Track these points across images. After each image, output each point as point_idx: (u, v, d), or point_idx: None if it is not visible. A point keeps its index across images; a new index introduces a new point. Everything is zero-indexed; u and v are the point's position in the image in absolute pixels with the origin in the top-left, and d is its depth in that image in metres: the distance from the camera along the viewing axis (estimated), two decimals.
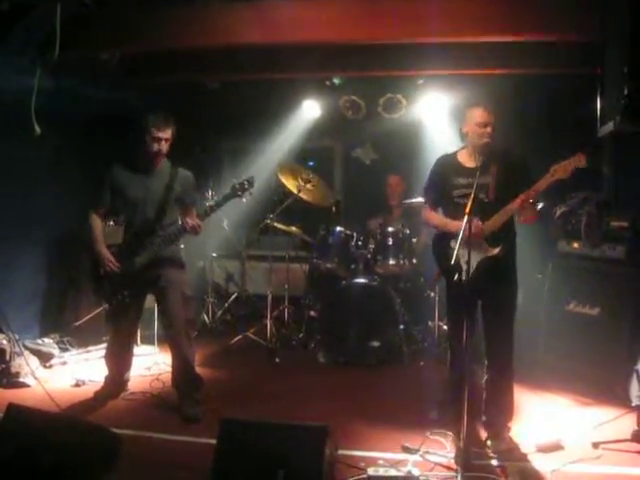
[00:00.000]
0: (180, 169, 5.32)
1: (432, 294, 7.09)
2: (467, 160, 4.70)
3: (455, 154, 4.86)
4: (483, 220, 4.49)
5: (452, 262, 4.08)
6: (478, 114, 4.60)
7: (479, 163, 4.38)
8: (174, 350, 5.22)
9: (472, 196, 4.11)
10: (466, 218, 4.05)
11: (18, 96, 5.43)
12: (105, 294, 5.30)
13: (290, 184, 7.28)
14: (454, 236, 4.36)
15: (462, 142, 4.81)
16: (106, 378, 5.57)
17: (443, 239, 4.74)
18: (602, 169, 7.04)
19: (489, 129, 4.56)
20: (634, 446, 4.44)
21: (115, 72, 6.76)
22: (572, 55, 6.14)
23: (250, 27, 5.70)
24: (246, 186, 5.09)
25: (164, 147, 5.15)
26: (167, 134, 5.13)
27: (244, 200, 5.20)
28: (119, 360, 5.53)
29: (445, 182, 4.77)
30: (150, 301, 5.60)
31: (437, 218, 4.92)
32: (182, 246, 5.70)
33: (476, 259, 4.49)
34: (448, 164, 4.85)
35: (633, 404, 4.79)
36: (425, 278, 7.36)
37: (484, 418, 4.75)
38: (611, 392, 5.35)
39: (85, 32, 5.83)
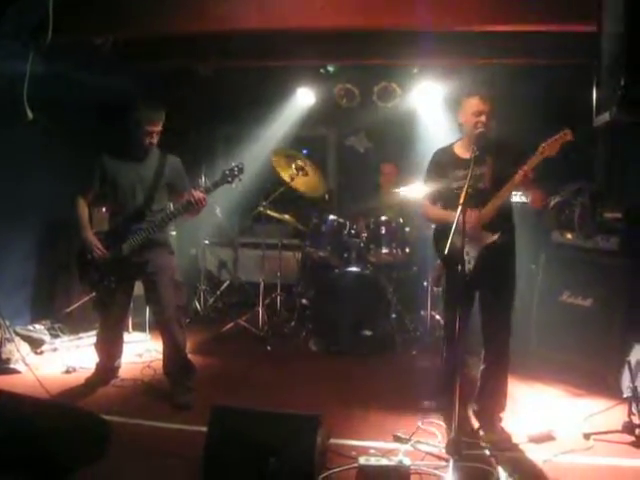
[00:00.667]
0: (169, 155, 5.33)
1: (425, 283, 7.09)
2: (464, 152, 4.68)
3: (452, 146, 4.85)
4: (480, 210, 4.48)
5: (445, 252, 4.07)
6: (474, 103, 4.58)
7: (475, 153, 4.35)
8: (165, 336, 5.21)
9: (465, 187, 4.09)
10: (460, 208, 4.03)
11: (10, 80, 5.38)
12: (91, 281, 5.24)
13: (284, 172, 7.24)
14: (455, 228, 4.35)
15: (460, 133, 4.79)
16: (97, 365, 5.56)
17: (444, 232, 4.73)
18: (596, 160, 7.05)
19: (484, 118, 4.53)
20: (625, 437, 4.46)
21: (108, 57, 6.71)
22: (568, 45, 6.12)
23: (246, 13, 5.65)
24: (236, 172, 5.09)
25: (155, 139, 5.18)
26: (159, 127, 5.15)
27: (234, 186, 5.22)
28: (109, 347, 5.53)
29: (443, 175, 4.76)
30: (141, 288, 5.57)
31: (437, 212, 4.90)
32: (173, 233, 5.68)
33: (476, 250, 4.49)
34: (445, 157, 4.83)
35: (624, 395, 4.79)
36: (418, 267, 7.36)
37: (476, 407, 4.76)
38: (603, 383, 5.37)
39: (78, 16, 5.76)
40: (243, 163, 5.15)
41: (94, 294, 5.41)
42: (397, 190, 6.95)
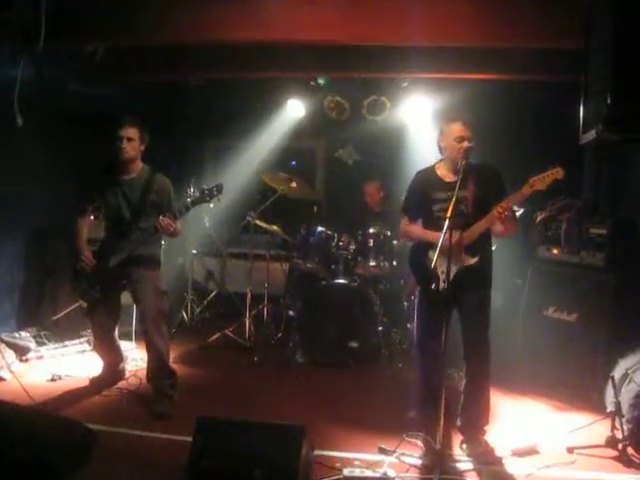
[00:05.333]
0: (158, 175, 5.38)
1: (412, 297, 7.10)
2: (446, 174, 4.73)
3: (434, 168, 4.87)
4: (462, 232, 4.52)
5: (432, 265, 4.10)
6: (456, 129, 4.62)
7: (458, 177, 4.38)
8: (148, 344, 5.26)
9: (453, 203, 4.12)
10: (447, 223, 4.06)
11: (0, 86, 5.39)
12: (81, 289, 5.39)
13: (274, 183, 7.27)
14: (432, 246, 4.39)
15: (440, 155, 4.82)
16: (102, 367, 5.70)
17: (420, 249, 4.78)
18: (583, 176, 7.09)
19: (466, 144, 4.56)
20: (608, 452, 4.49)
21: (99, 67, 6.72)
22: (556, 62, 6.18)
23: (237, 25, 5.68)
24: (215, 192, 5.17)
25: (128, 147, 5.20)
26: (129, 133, 5.20)
27: (212, 206, 5.42)
28: (106, 352, 5.65)
29: (425, 197, 4.80)
30: (126, 298, 5.61)
31: (417, 230, 4.94)
32: (162, 243, 5.69)
33: (454, 269, 4.52)
34: (427, 179, 4.86)
35: (608, 410, 4.82)
36: (405, 280, 7.38)
37: (460, 422, 4.77)
38: (587, 398, 5.39)
39: (70, 24, 5.78)
40: (222, 184, 5.22)
41: (82, 302, 5.50)
42: None
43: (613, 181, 6.82)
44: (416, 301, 5.21)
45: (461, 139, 4.57)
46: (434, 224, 4.59)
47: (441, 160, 4.83)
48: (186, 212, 5.17)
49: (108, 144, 5.26)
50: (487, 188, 4.56)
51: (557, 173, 4.23)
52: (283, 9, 5.67)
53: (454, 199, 4.15)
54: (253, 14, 5.63)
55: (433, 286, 4.42)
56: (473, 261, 4.55)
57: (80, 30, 5.97)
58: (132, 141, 5.21)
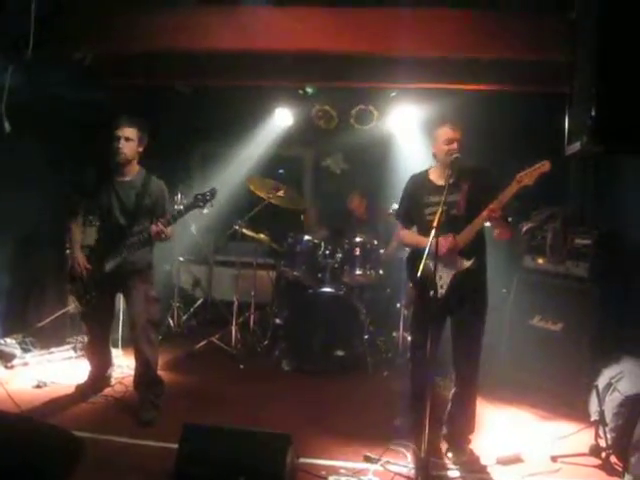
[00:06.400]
0: (153, 178, 5.34)
1: (397, 305, 7.13)
2: (438, 178, 4.75)
3: (427, 172, 4.91)
4: (455, 236, 4.54)
5: (419, 274, 4.11)
6: (444, 132, 4.66)
7: (449, 180, 4.42)
8: (136, 351, 5.24)
9: (439, 212, 4.15)
10: (433, 232, 4.09)
11: None
12: (77, 294, 5.37)
13: (260, 192, 7.28)
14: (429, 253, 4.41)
15: (434, 162, 4.85)
16: (89, 373, 5.65)
17: (416, 256, 4.78)
18: (568, 187, 7.15)
19: (455, 145, 4.61)
20: (592, 460, 4.53)
21: (87, 73, 6.72)
22: (542, 73, 6.23)
23: (225, 33, 5.71)
24: (208, 197, 5.15)
25: (125, 147, 5.14)
26: (127, 133, 5.14)
27: (205, 211, 5.36)
28: (97, 357, 5.62)
29: (417, 201, 4.83)
30: (117, 304, 5.63)
31: (411, 236, 4.97)
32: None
33: (449, 275, 4.56)
34: (419, 183, 4.90)
35: (592, 419, 4.86)
36: (391, 289, 7.40)
37: (445, 430, 4.78)
38: (571, 407, 5.42)
39: (58, 31, 5.79)
40: (216, 189, 5.21)
41: (74, 307, 5.50)
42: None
43: (598, 192, 6.88)
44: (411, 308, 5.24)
45: (450, 141, 4.61)
46: (427, 228, 4.60)
47: (434, 165, 4.86)
48: (179, 218, 5.17)
49: (95, 150, 5.25)
50: (481, 190, 4.57)
51: (543, 166, 4.25)
52: (271, 18, 5.71)
53: (441, 206, 4.17)
54: (241, 23, 5.67)
55: (431, 293, 4.42)
56: (469, 264, 4.55)
57: (67, 38, 5.98)
58: (130, 141, 5.15)
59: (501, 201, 4.36)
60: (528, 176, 4.28)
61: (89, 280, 5.23)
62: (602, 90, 3.39)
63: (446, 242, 4.45)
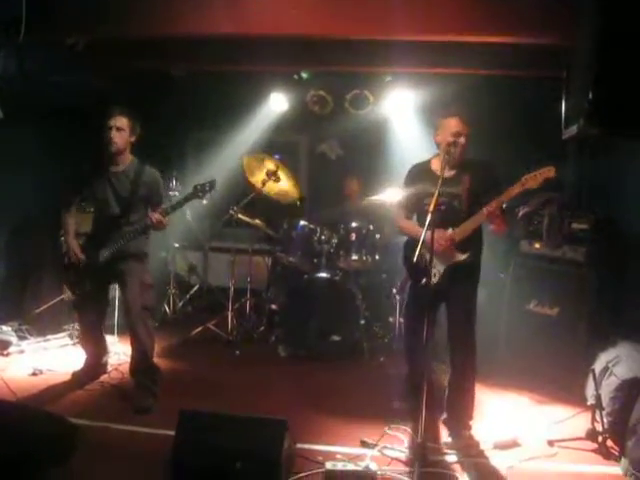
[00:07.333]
0: (147, 167, 5.33)
1: (393, 290, 7.12)
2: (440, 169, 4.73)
3: (429, 162, 4.90)
4: (454, 229, 4.56)
5: (414, 260, 4.11)
6: (453, 124, 4.63)
7: (452, 173, 4.42)
8: (132, 338, 5.22)
9: (434, 200, 4.14)
10: (429, 217, 4.08)
11: None
12: (70, 282, 5.38)
13: (254, 178, 7.24)
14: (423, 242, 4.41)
15: (437, 150, 4.82)
16: (85, 360, 5.62)
17: (414, 245, 4.78)
18: (565, 171, 7.13)
19: (463, 140, 4.60)
20: (588, 444, 4.54)
21: (81, 58, 6.66)
22: (540, 57, 6.19)
23: (220, 17, 5.64)
24: (207, 188, 5.15)
25: (117, 137, 5.13)
26: (119, 123, 5.13)
27: (204, 202, 5.28)
28: (91, 346, 5.59)
29: (418, 191, 4.81)
30: (112, 291, 5.61)
31: (409, 226, 4.98)
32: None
33: (444, 265, 4.58)
34: (422, 173, 4.88)
35: (588, 403, 4.86)
36: (387, 274, 7.39)
37: (445, 415, 4.80)
38: (568, 391, 5.42)
39: (51, 16, 5.73)
40: (215, 180, 5.21)
41: (68, 295, 5.48)
42: (372, 198, 6.94)
43: (595, 176, 6.87)
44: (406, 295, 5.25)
45: (458, 134, 4.59)
46: (425, 218, 4.61)
47: (437, 155, 4.84)
48: (178, 208, 5.19)
49: (90, 136, 5.22)
50: (483, 185, 4.59)
51: (549, 172, 4.30)
52: (266, 2, 5.65)
53: (435, 196, 4.16)
54: (236, 7, 5.61)
55: (423, 281, 4.44)
56: (463, 257, 4.58)
57: (60, 23, 5.92)
58: (122, 131, 5.14)
59: (502, 201, 4.39)
60: (533, 180, 4.32)
61: (83, 269, 5.22)
62: (600, 73, 3.37)
63: (444, 238, 4.47)
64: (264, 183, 7.07)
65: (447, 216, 4.51)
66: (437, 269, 4.59)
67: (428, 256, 4.19)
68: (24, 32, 5.07)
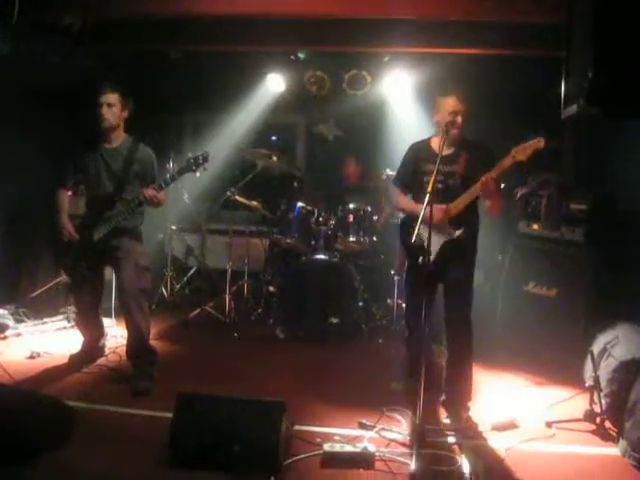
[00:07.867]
0: (141, 145, 5.31)
1: (392, 272, 7.11)
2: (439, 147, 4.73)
3: (428, 140, 4.94)
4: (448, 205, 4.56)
5: (412, 240, 4.10)
6: (451, 103, 4.66)
7: (450, 151, 4.44)
8: (127, 320, 5.20)
9: (432, 179, 4.12)
10: (427, 197, 4.07)
11: None
12: (65, 265, 5.37)
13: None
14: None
15: (436, 129, 4.82)
16: (82, 343, 5.61)
17: (410, 222, 4.78)
18: (562, 152, 7.11)
19: (459, 118, 4.62)
20: (586, 425, 4.54)
21: (77, 39, 6.61)
22: (539, 36, 6.16)
23: None
24: (200, 161, 5.12)
25: (108, 113, 5.12)
26: (109, 99, 5.12)
27: (198, 175, 5.26)
28: (88, 328, 5.58)
29: (417, 168, 4.86)
30: (109, 273, 5.58)
31: (406, 202, 5.02)
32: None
33: (439, 242, 4.60)
34: (421, 150, 4.92)
35: (586, 384, 4.85)
36: (385, 256, 7.38)
37: (444, 397, 4.81)
38: (566, 372, 5.42)
39: None
40: (208, 152, 5.17)
41: (64, 278, 5.45)
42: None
43: (593, 157, 6.84)
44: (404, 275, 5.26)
45: (455, 113, 4.62)
46: (424, 196, 4.59)
47: (436, 134, 4.85)
48: (172, 182, 5.14)
49: (87, 117, 5.19)
50: (478, 164, 4.60)
51: (539, 143, 4.30)
52: None
53: (434, 174, 4.15)
54: None
55: (420, 259, 4.44)
56: (457, 233, 4.59)
57: (56, 3, 5.88)
58: (112, 107, 5.12)
59: (495, 172, 4.40)
60: (522, 151, 4.35)
61: (77, 249, 5.19)
62: (600, 52, 3.34)
63: (439, 212, 4.46)
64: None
65: (444, 193, 4.55)
66: (433, 248, 4.58)
67: (426, 235, 4.18)
68: (18, 14, 5.02)
